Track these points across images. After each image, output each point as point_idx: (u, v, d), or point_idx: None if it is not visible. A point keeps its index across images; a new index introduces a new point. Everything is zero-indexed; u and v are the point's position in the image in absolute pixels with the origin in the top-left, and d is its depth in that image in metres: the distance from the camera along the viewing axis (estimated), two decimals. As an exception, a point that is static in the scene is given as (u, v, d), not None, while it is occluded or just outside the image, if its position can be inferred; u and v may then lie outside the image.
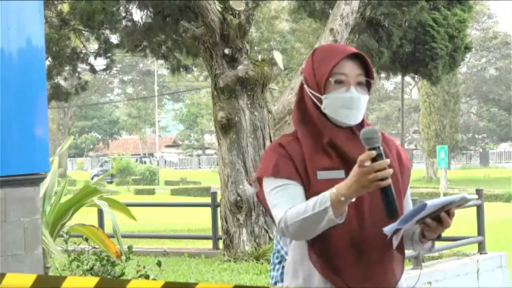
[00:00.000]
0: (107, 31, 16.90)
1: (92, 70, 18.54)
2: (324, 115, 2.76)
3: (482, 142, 70.37)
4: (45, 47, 6.57)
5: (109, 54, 17.71)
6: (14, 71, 5.97)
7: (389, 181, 2.48)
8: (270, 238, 11.04)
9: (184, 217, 22.71)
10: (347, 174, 2.64)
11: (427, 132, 52.01)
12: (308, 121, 2.77)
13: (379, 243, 2.68)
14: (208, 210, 13.32)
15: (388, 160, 2.49)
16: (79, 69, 18.96)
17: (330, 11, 15.20)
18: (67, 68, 17.89)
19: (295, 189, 2.68)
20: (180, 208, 23.62)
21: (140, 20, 16.34)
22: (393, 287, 2.75)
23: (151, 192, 40.77)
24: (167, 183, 49.82)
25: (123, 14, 16.46)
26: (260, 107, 11.38)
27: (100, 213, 12.85)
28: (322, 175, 2.69)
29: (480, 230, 11.65)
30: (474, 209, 11.64)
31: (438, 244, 10.82)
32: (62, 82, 19.83)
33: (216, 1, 11.39)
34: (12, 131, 5.89)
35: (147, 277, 7.24)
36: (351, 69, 2.75)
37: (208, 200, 15.03)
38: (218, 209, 12.02)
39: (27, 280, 2.24)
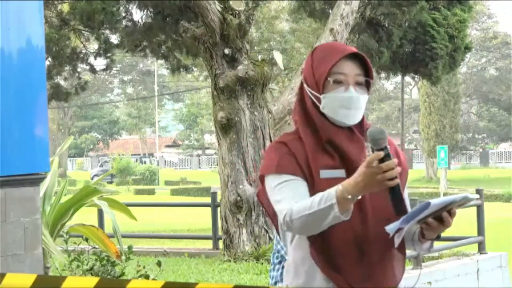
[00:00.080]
0: (107, 31, 16.90)
1: (92, 70, 18.54)
2: (323, 114, 2.76)
3: (482, 142, 70.37)
4: (45, 47, 6.57)
5: (109, 54, 17.71)
6: (14, 71, 5.97)
7: (397, 180, 2.49)
8: (270, 238, 11.04)
9: (184, 217, 22.71)
10: (347, 173, 2.66)
11: (427, 132, 52.01)
12: (308, 120, 2.77)
13: (381, 243, 2.69)
14: (208, 210, 13.32)
15: (396, 160, 2.49)
16: (79, 69, 18.96)
17: (330, 11, 15.20)
18: (67, 68, 17.89)
19: (300, 184, 2.68)
20: (180, 208, 23.62)
21: (140, 20, 16.34)
22: (394, 287, 2.75)
23: (151, 192, 40.77)
24: (167, 183, 49.81)
25: (123, 14, 16.47)
26: (260, 107, 11.38)
27: (100, 213, 12.85)
28: (324, 174, 2.69)
29: (480, 230, 11.65)
30: (474, 209, 11.64)
31: (438, 244, 10.82)
32: (62, 82, 19.84)
33: (216, 1, 11.39)
34: (12, 131, 5.89)
35: (147, 277, 7.24)
36: (350, 69, 2.75)
37: (208, 200, 15.03)
38: (218, 209, 12.02)
39: (27, 280, 2.24)
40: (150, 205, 22.16)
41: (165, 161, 73.34)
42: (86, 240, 7.64)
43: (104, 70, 19.61)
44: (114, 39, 17.71)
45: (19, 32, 6.06)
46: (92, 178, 50.61)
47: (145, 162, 61.17)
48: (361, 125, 2.79)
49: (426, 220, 2.62)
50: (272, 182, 2.72)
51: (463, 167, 64.12)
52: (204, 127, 69.44)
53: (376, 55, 16.68)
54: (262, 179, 2.79)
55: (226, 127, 11.28)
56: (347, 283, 2.66)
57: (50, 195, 7.58)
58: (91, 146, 73.04)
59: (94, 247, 7.58)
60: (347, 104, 2.73)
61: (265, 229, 11.14)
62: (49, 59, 16.37)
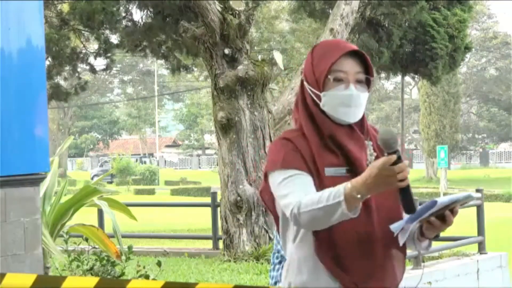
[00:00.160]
0: (107, 31, 16.90)
1: (92, 70, 18.54)
2: (324, 112, 2.75)
3: (482, 142, 70.37)
4: (45, 47, 6.57)
5: (109, 54, 17.71)
6: (14, 71, 5.97)
7: (408, 181, 2.49)
8: (270, 238, 11.04)
9: (184, 217, 22.70)
10: (350, 172, 2.67)
11: (427, 132, 52.01)
12: (311, 117, 2.77)
13: (384, 242, 2.69)
14: (208, 210, 13.32)
15: (407, 162, 2.49)
16: (79, 69, 18.97)
17: (330, 11, 15.20)
18: (67, 68, 17.90)
19: (306, 179, 2.66)
20: (180, 208, 23.62)
21: (140, 20, 16.34)
22: (395, 286, 2.75)
23: (151, 192, 40.77)
24: (167, 183, 49.81)
25: (123, 14, 16.47)
26: (260, 107, 11.38)
27: (100, 213, 12.85)
28: (329, 172, 2.69)
29: (480, 230, 11.65)
30: (474, 209, 11.64)
31: (438, 244, 10.83)
32: (62, 82, 19.84)
33: (216, 1, 11.39)
34: (12, 131, 5.89)
35: (147, 277, 7.24)
36: (350, 67, 2.74)
37: (208, 200, 15.03)
38: (218, 209, 12.02)
39: (27, 280, 2.24)
40: (150, 205, 22.16)
41: (165, 161, 73.34)
42: (86, 240, 7.64)
43: (104, 70, 19.62)
44: (114, 39, 17.73)
45: (19, 32, 6.06)
46: (92, 178, 50.61)
47: (145, 162, 61.17)
48: (361, 123, 2.79)
49: (429, 219, 2.62)
50: (277, 177, 2.69)
51: (463, 167, 64.12)
52: (204, 127, 69.43)
53: (376, 55, 16.68)
54: (266, 176, 2.77)
55: (226, 127, 11.29)
56: (353, 282, 2.65)
57: (50, 195, 7.58)
58: (91, 146, 73.03)
59: (94, 247, 7.59)
60: (348, 102, 2.72)
61: (265, 229, 11.14)
62: (49, 59, 16.37)
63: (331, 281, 2.67)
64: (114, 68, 54.62)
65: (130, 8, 16.50)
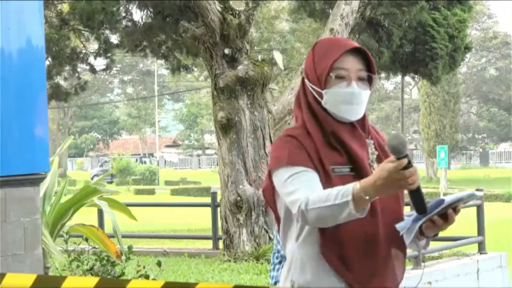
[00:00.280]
0: (107, 31, 16.90)
1: (92, 70, 18.54)
2: (325, 109, 2.74)
3: (482, 142, 70.37)
4: (45, 47, 6.57)
5: (109, 54, 17.71)
6: (14, 71, 5.97)
7: (418, 183, 2.49)
8: (270, 238, 11.04)
9: (184, 217, 22.71)
10: (354, 171, 2.67)
11: (427, 132, 52.01)
12: (313, 115, 2.75)
13: (388, 242, 2.70)
14: (208, 210, 13.32)
15: (416, 167, 2.49)
16: (79, 69, 18.97)
17: (330, 11, 15.20)
18: (67, 68, 17.90)
19: (313, 176, 2.64)
20: (180, 208, 23.62)
21: (140, 20, 16.34)
22: (396, 286, 2.76)
23: (151, 192, 40.77)
24: (167, 183, 49.81)
25: (123, 14, 16.47)
26: (260, 107, 11.38)
27: (100, 213, 12.85)
28: (334, 170, 2.68)
29: (480, 230, 11.64)
30: (474, 209, 11.63)
31: (438, 244, 10.83)
32: (62, 82, 19.84)
33: (216, 1, 11.39)
34: (12, 131, 5.89)
35: (147, 277, 7.24)
36: (352, 64, 2.73)
37: (208, 200, 15.02)
38: (218, 209, 12.02)
39: (27, 280, 2.24)
40: (150, 205, 22.16)
41: (165, 161, 73.35)
42: (86, 240, 7.64)
43: (104, 70, 19.62)
44: (114, 39, 17.73)
45: (19, 32, 6.06)
46: (92, 178, 50.61)
47: (145, 162, 61.17)
48: (362, 121, 2.78)
49: (432, 218, 2.63)
50: (283, 175, 2.67)
51: (463, 167, 64.13)
52: (204, 127, 69.43)
53: (376, 55, 16.68)
54: (271, 173, 2.74)
55: (226, 127, 11.29)
56: (357, 281, 2.65)
57: (50, 195, 7.58)
58: (91, 146, 73.03)
59: (94, 247, 7.58)
60: (349, 100, 2.71)
61: (265, 229, 11.14)
62: (49, 59, 16.37)
63: (335, 280, 2.66)
64: (114, 68, 54.63)
65: (130, 8, 16.50)
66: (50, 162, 6.85)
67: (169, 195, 39.59)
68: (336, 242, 2.65)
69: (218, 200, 12.21)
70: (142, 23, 16.26)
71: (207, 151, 74.69)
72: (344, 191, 2.51)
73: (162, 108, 78.87)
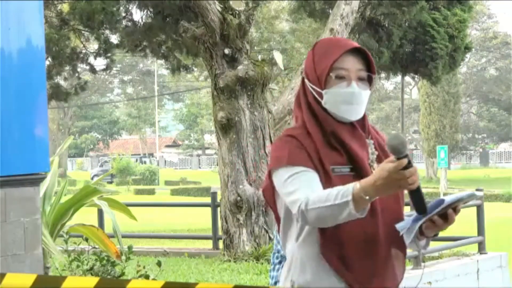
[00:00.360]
0: (107, 31, 16.90)
1: (92, 70, 18.54)
2: (325, 109, 2.74)
3: (482, 142, 70.37)
4: (45, 47, 6.57)
5: (109, 54, 17.71)
6: (14, 71, 5.97)
7: (418, 183, 2.49)
8: (270, 238, 11.04)
9: (184, 217, 22.71)
10: (355, 171, 2.67)
11: (427, 132, 52.01)
12: (313, 115, 2.75)
13: (388, 242, 2.70)
14: (208, 210, 13.32)
15: (416, 167, 2.49)
16: (79, 69, 18.97)
17: (330, 11, 15.20)
18: (67, 68, 17.90)
19: (313, 176, 2.64)
20: (180, 208, 23.62)
21: (140, 20, 16.34)
22: (396, 286, 2.76)
23: (151, 192, 40.77)
24: (167, 183, 49.81)
25: (123, 14, 16.47)
26: (260, 107, 11.38)
27: (100, 213, 12.85)
28: (334, 170, 2.67)
29: (480, 230, 11.64)
30: (474, 209, 11.63)
31: (438, 244, 10.83)
32: (62, 82, 19.84)
33: (216, 1, 11.39)
34: (12, 131, 5.89)
35: (147, 277, 7.24)
36: (352, 64, 2.73)
37: (208, 200, 15.02)
38: (218, 209, 12.02)
39: (27, 280, 2.24)
40: (150, 205, 22.15)
41: (165, 161, 73.34)
42: (86, 240, 7.64)
43: (104, 70, 19.62)
44: (114, 39, 17.73)
45: (19, 32, 6.06)
46: (92, 178, 50.61)
47: (145, 162, 61.17)
48: (362, 121, 2.78)
49: (432, 218, 2.63)
50: (283, 175, 2.67)
51: (463, 167, 64.12)
52: (204, 127, 69.43)
53: (376, 55, 16.68)
54: (271, 173, 2.73)
55: (226, 127, 11.29)
56: (357, 281, 2.65)
57: (50, 195, 7.58)
58: (91, 146, 73.04)
59: (94, 247, 7.59)
60: (350, 100, 2.71)
61: (265, 229, 11.14)
62: (49, 59, 16.37)
63: (335, 280, 2.66)
64: (114, 68, 54.63)
65: (130, 8, 16.50)
66: (50, 162, 6.85)
67: (169, 195, 39.59)
68: (336, 242, 2.64)
69: (218, 200, 12.21)
70: (142, 23, 16.26)
71: (207, 151, 74.69)
72: (344, 191, 2.50)
73: (162, 108, 78.87)
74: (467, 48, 19.32)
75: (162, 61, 20.33)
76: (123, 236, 8.90)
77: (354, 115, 2.74)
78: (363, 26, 16.87)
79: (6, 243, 5.73)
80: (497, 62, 64.33)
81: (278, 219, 2.82)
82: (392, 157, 2.47)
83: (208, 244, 12.94)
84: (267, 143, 11.31)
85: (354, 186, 2.50)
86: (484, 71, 65.91)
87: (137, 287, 2.30)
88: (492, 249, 12.15)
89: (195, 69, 27.47)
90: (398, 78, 36.19)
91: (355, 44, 2.78)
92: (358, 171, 2.69)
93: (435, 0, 18.06)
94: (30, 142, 6.05)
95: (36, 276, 2.25)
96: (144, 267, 7.37)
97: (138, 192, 40.45)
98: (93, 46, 19.21)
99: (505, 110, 63.24)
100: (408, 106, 61.63)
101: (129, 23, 16.43)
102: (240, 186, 11.17)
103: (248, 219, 11.12)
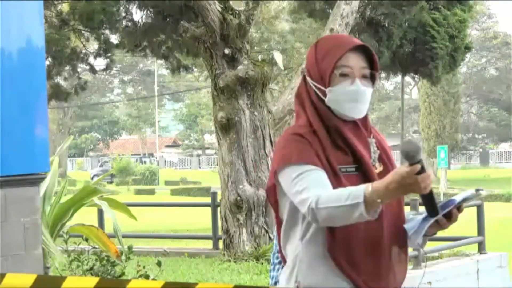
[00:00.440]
0: (107, 31, 16.90)
1: (92, 70, 18.55)
2: (329, 107, 2.72)
3: (482, 142, 70.37)
4: (45, 47, 6.57)
5: (109, 54, 17.71)
6: (14, 71, 5.97)
7: (430, 187, 2.49)
8: (270, 238, 11.04)
9: (184, 217, 22.69)
10: (359, 171, 2.66)
11: (427, 132, 52.02)
12: (317, 113, 2.73)
13: (392, 243, 2.70)
14: (208, 210, 13.31)
15: (430, 172, 2.49)
16: (79, 69, 18.98)
17: (330, 11, 15.20)
18: (67, 68, 17.90)
19: (322, 174, 2.61)
20: (180, 208, 23.59)
21: (140, 20, 16.34)
22: (399, 286, 2.76)
23: (151, 192, 40.77)
24: (167, 183, 49.80)
25: (123, 14, 16.47)
26: (260, 107, 11.38)
27: (100, 213, 12.83)
28: (341, 170, 2.66)
29: (480, 230, 11.63)
30: (474, 209, 11.63)
31: (438, 244, 10.83)
32: (62, 82, 19.84)
33: (216, 1, 11.40)
34: (12, 131, 5.89)
35: (147, 277, 7.24)
36: (356, 62, 2.71)
37: (208, 200, 15.02)
38: (218, 209, 12.02)
39: (27, 280, 2.24)
40: (150, 205, 22.16)
41: (165, 161, 73.32)
42: (86, 240, 7.64)
43: (104, 70, 19.63)
44: (114, 39, 17.72)
45: (19, 32, 6.06)
46: (92, 178, 50.60)
47: (145, 162, 61.15)
48: (365, 119, 2.77)
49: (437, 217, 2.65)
50: (291, 173, 2.63)
51: (463, 167, 64.09)
52: (204, 127, 69.42)
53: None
54: (277, 172, 2.69)
55: (226, 127, 11.29)
56: (364, 282, 2.65)
57: (50, 195, 7.58)
58: (91, 146, 73.04)
59: (94, 247, 7.59)
60: (354, 98, 2.70)
61: (265, 229, 11.14)
62: (49, 59, 16.37)
63: (342, 281, 2.65)
64: (114, 68, 54.62)
65: (130, 8, 16.50)
66: (50, 162, 6.85)
67: (169, 195, 39.58)
68: (344, 243, 2.63)
69: (218, 200, 12.21)
70: (142, 23, 16.26)
71: (207, 151, 74.67)
72: (355, 193, 2.49)
73: (162, 108, 78.87)
74: (467, 48, 19.34)
75: (162, 61, 20.34)
76: (123, 236, 8.89)
77: (358, 113, 2.73)
78: (363, 26, 16.88)
79: (6, 243, 5.72)
80: (497, 62, 64.37)
81: (279, 219, 2.80)
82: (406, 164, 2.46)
83: (208, 244, 12.94)
84: (267, 143, 11.31)
85: (366, 188, 2.48)
86: (484, 71, 65.95)
87: (137, 287, 2.30)
88: (492, 249, 12.15)
89: (195, 69, 27.47)
90: (398, 78, 36.20)
91: (359, 41, 2.76)
92: (363, 171, 2.68)
93: (435, 0, 18.07)
94: (30, 142, 6.05)
95: (36, 276, 2.25)
96: (144, 267, 7.37)
97: (138, 192, 40.45)
98: (93, 46, 19.21)
99: (505, 110, 63.25)
100: (408, 106, 61.64)
101: (129, 23, 16.43)
102: (240, 186, 11.17)
103: (248, 219, 11.12)
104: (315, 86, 2.74)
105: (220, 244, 11.86)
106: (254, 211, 11.12)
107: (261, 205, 11.08)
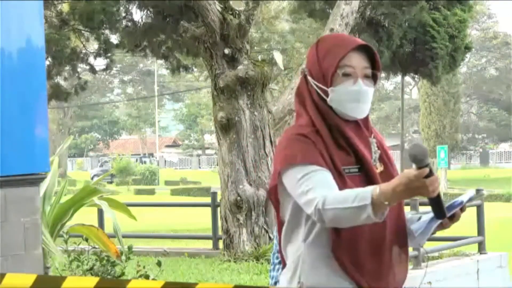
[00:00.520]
0: (107, 31, 16.90)
1: (92, 70, 18.55)
2: (330, 107, 2.71)
3: (482, 142, 70.38)
4: (45, 47, 6.57)
5: (109, 54, 17.71)
6: (14, 71, 5.97)
7: (438, 190, 2.50)
8: (270, 238, 11.04)
9: (184, 217, 22.69)
10: (362, 171, 2.66)
11: (427, 132, 52.04)
12: (319, 113, 2.71)
13: (393, 244, 2.70)
14: (208, 210, 13.31)
15: (437, 176, 2.49)
16: (79, 69, 18.97)
17: (330, 11, 15.20)
18: (67, 68, 17.90)
19: (328, 175, 2.60)
20: (180, 208, 23.58)
21: (140, 20, 16.34)
22: (400, 287, 2.76)
23: (151, 192, 40.76)
24: (167, 183, 49.79)
25: (123, 14, 16.47)
26: (260, 107, 11.38)
27: (100, 213, 12.83)
28: (344, 170, 2.65)
29: (480, 230, 11.63)
30: (474, 209, 11.63)
31: (438, 244, 10.83)
32: (62, 82, 19.84)
33: (216, 1, 11.40)
34: (12, 131, 5.89)
35: (147, 277, 7.24)
36: (358, 61, 2.70)
37: (208, 200, 15.01)
38: (218, 209, 12.02)
39: (27, 280, 2.24)
40: (150, 205, 22.15)
41: (165, 161, 73.31)
42: (86, 240, 7.64)
43: (104, 70, 19.63)
44: (114, 39, 17.72)
45: (19, 32, 6.06)
46: (92, 178, 50.60)
47: (145, 162, 61.15)
48: (366, 119, 2.76)
49: None
50: (296, 174, 2.62)
51: (463, 167, 64.06)
52: (204, 127, 69.42)
53: (376, 55, 16.68)
54: (278, 173, 2.67)
55: (226, 127, 11.29)
56: (367, 282, 2.65)
57: (50, 195, 7.58)
58: (91, 146, 73.04)
59: (94, 247, 7.59)
60: (356, 97, 2.69)
61: (265, 229, 11.14)
62: (49, 59, 16.37)
63: (344, 281, 2.65)
64: (114, 68, 54.63)
65: (130, 8, 16.49)
66: (50, 162, 6.85)
67: (169, 195, 39.56)
68: (348, 244, 2.63)
69: (218, 200, 12.21)
70: (142, 23, 16.26)
71: (207, 151, 74.67)
72: (363, 195, 2.48)
73: (162, 108, 78.87)
74: (467, 48, 19.34)
75: (162, 61, 20.33)
76: (123, 236, 8.89)
77: (360, 113, 2.72)
78: (363, 26, 16.88)
79: (6, 243, 5.72)
80: (497, 62, 64.39)
81: (280, 219, 2.79)
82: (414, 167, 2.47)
83: (208, 244, 12.94)
84: (267, 143, 11.31)
85: (374, 190, 2.48)
86: (484, 71, 65.97)
87: (137, 287, 2.30)
88: (492, 249, 12.15)
89: (195, 69, 27.46)
90: (398, 78, 36.21)
91: (361, 41, 2.75)
92: (365, 171, 2.67)
93: (435, 0, 18.07)
94: (30, 142, 6.05)
95: (36, 276, 2.25)
96: (144, 267, 7.37)
97: (138, 192, 40.44)
98: (93, 46, 19.21)
99: (505, 110, 63.27)
100: (408, 106, 61.66)
101: (129, 23, 16.43)
102: (240, 186, 11.17)
103: (248, 219, 11.12)
104: (317, 86, 2.72)
105: (220, 244, 11.86)
106: (254, 211, 11.12)
107: (261, 205, 11.07)
